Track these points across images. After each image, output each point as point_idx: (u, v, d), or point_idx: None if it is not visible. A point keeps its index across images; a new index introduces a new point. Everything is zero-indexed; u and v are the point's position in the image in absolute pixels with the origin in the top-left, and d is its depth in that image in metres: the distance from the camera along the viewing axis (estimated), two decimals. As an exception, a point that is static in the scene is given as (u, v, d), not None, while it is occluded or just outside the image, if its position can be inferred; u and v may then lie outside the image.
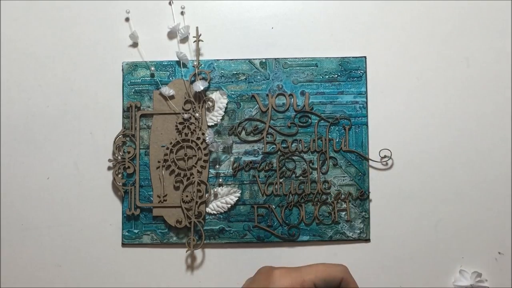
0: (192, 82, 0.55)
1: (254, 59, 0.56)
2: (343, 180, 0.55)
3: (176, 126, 0.55)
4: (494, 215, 0.55)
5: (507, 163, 0.55)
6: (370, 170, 0.55)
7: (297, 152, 0.55)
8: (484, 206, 0.55)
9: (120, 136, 0.55)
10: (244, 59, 0.56)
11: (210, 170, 0.55)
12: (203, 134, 0.55)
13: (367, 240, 0.55)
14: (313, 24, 0.57)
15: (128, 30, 0.57)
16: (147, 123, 0.56)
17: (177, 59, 0.56)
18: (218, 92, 0.56)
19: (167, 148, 0.55)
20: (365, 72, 0.56)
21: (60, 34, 0.57)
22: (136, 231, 0.55)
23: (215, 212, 0.55)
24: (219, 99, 0.55)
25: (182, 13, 0.57)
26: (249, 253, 0.55)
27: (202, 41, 0.56)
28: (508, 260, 0.55)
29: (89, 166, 0.56)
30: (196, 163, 0.55)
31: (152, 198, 0.55)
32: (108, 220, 0.55)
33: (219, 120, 0.55)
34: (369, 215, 0.55)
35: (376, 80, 0.56)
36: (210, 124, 0.56)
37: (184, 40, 0.57)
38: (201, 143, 0.55)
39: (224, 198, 0.55)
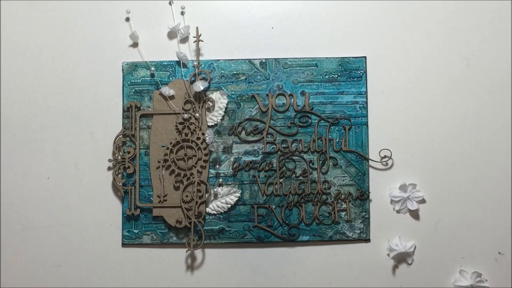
0: (192, 82, 0.55)
1: (254, 59, 0.56)
2: (343, 180, 0.55)
3: (176, 126, 0.55)
4: (494, 215, 0.55)
5: (507, 163, 0.55)
6: (370, 170, 0.55)
7: (297, 152, 0.55)
8: (484, 206, 0.55)
9: (120, 136, 0.55)
10: (244, 59, 0.56)
11: (210, 170, 0.55)
12: (203, 134, 0.55)
13: (367, 240, 0.55)
14: (313, 24, 0.57)
15: (128, 30, 0.57)
16: (147, 123, 0.56)
17: (177, 59, 0.56)
18: (218, 92, 0.56)
19: (167, 148, 0.55)
20: (365, 72, 0.56)
21: (60, 34, 0.57)
22: (136, 231, 0.55)
23: (215, 212, 0.55)
24: (219, 99, 0.55)
25: (182, 13, 0.57)
26: (249, 253, 0.55)
27: (202, 41, 0.56)
28: (508, 260, 0.55)
29: (89, 166, 0.56)
30: (196, 163, 0.55)
31: (152, 198, 0.55)
32: (108, 220, 0.55)
33: (219, 120, 0.55)
34: (369, 215, 0.55)
35: (376, 80, 0.56)
36: (210, 124, 0.56)
37: (184, 40, 0.57)
38: (201, 143, 0.55)
39: (224, 198, 0.55)
